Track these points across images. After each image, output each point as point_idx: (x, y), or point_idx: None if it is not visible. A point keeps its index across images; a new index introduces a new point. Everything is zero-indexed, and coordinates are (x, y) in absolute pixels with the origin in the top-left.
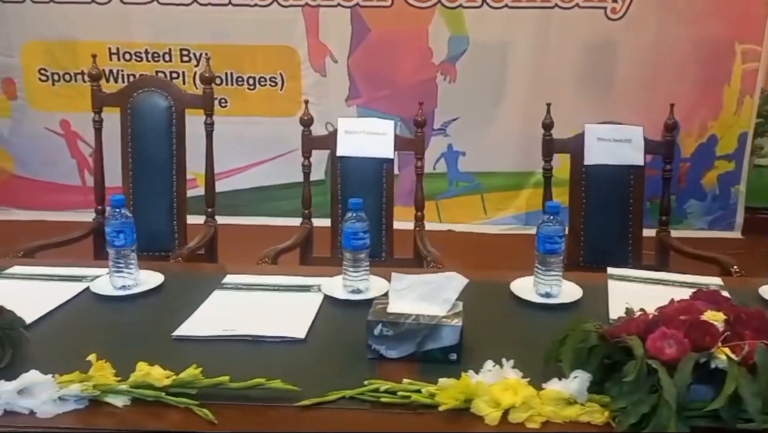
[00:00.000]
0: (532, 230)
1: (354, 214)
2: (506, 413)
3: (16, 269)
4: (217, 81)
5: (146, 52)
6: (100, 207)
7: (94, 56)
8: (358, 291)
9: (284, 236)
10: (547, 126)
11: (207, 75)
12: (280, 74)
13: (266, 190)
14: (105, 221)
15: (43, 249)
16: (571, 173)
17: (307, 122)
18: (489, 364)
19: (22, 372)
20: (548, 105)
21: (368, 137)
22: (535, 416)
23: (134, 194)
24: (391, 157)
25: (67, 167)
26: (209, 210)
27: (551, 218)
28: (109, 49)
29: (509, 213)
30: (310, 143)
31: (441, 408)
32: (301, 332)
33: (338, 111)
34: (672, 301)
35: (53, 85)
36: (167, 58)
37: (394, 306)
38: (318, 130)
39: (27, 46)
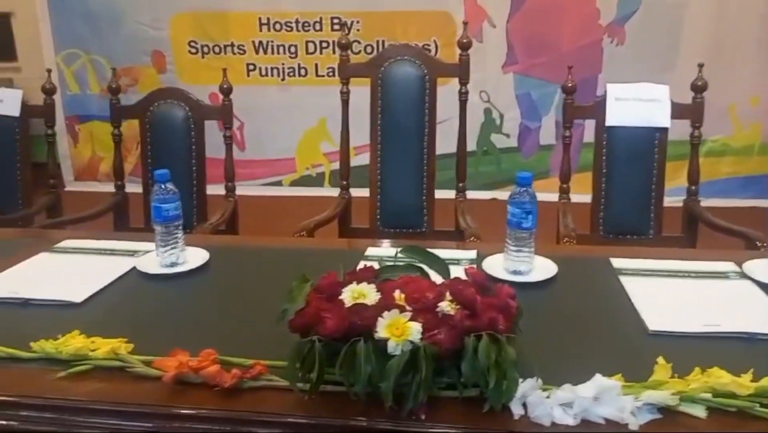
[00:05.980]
0: (708, 202)
1: None
2: None
3: None
4: (368, 50)
5: (296, 22)
6: (345, 182)
7: (343, 25)
8: None
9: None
10: None
11: (465, 41)
12: (434, 41)
13: None
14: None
15: (320, 226)
16: None
17: (570, 89)
18: None
19: None
20: None
21: (642, 104)
22: None
23: (382, 169)
24: (668, 125)
25: (218, 141)
26: (460, 185)
27: None
28: (260, 19)
29: (679, 183)
30: (573, 112)
31: None
32: None
33: (494, 79)
34: None
35: (203, 57)
36: (317, 27)
37: None
38: (471, 99)
39: (176, 17)
